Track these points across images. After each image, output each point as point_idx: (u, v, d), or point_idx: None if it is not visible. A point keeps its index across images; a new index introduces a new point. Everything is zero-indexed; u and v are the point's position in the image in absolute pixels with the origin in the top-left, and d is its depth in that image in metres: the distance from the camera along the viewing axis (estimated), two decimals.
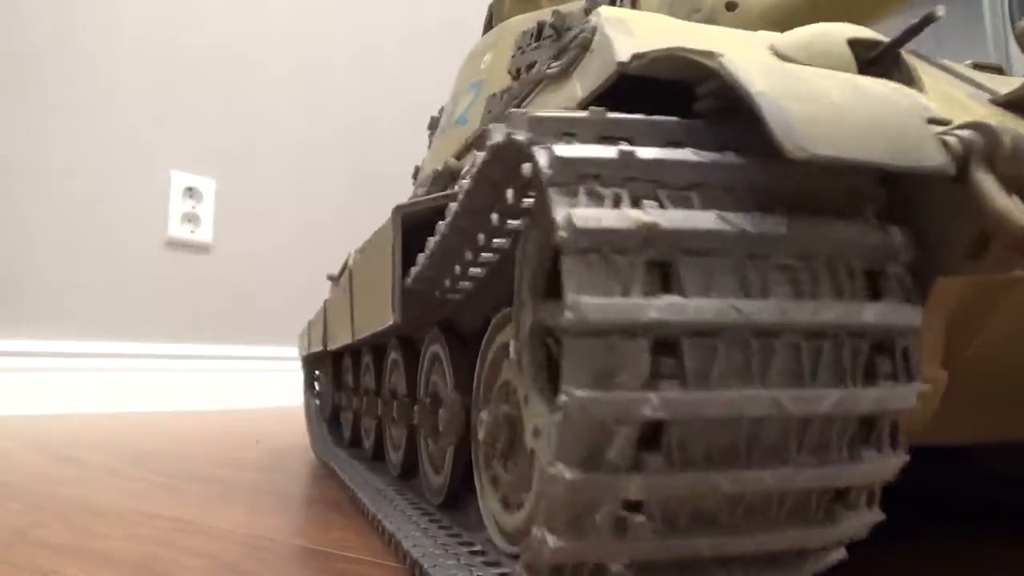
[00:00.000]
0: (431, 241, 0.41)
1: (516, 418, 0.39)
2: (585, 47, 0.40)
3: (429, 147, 0.85)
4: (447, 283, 0.44)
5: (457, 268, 0.42)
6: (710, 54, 0.28)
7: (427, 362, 0.58)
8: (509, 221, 0.34)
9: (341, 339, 0.69)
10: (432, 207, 0.44)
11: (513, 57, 0.59)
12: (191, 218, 1.96)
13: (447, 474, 0.52)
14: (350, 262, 0.89)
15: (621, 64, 0.35)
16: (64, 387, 1.67)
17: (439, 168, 0.59)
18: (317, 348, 0.89)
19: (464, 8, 1.73)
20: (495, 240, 0.37)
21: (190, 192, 1.97)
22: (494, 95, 0.59)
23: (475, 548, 0.42)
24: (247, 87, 2.13)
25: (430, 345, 0.56)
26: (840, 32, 0.37)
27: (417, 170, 0.88)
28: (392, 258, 0.45)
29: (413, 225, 0.45)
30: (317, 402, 1.15)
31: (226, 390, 1.91)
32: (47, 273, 1.72)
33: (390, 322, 0.47)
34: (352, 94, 2.35)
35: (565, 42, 0.43)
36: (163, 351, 1.86)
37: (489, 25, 0.74)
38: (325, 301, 0.86)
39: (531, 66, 0.55)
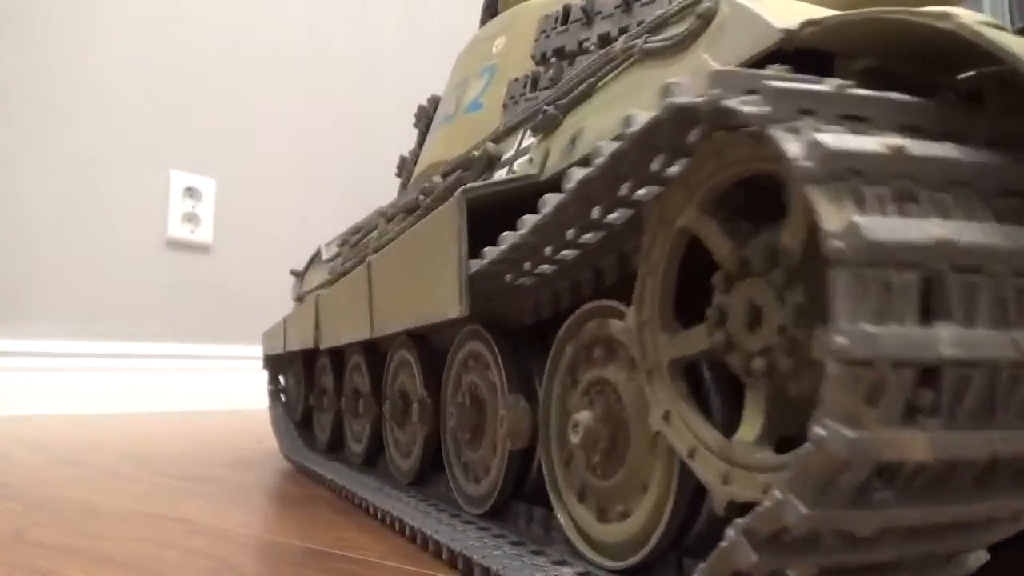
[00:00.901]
0: (527, 220, 0.38)
1: (620, 420, 0.37)
2: (708, 19, 0.36)
3: (419, 139, 0.83)
4: (526, 267, 0.41)
5: (548, 250, 0.39)
6: (944, 15, 0.23)
7: (461, 362, 0.55)
8: (637, 193, 0.32)
9: (348, 335, 0.64)
10: (497, 191, 0.42)
11: (537, 41, 0.57)
12: (191, 218, 1.96)
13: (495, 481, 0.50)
14: (325, 255, 0.88)
15: (788, 32, 0.30)
16: (64, 387, 1.67)
17: (458, 156, 0.59)
18: (299, 346, 0.84)
19: (464, 13, 1.73)
20: (609, 216, 0.35)
21: (190, 192, 1.97)
22: (516, 79, 0.58)
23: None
24: (247, 87, 2.13)
25: (463, 345, 0.54)
26: None
27: (403, 162, 0.85)
28: (457, 244, 0.42)
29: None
30: (283, 404, 1.13)
31: (227, 390, 1.90)
32: (47, 273, 1.72)
33: (453, 314, 0.43)
34: (352, 94, 2.35)
35: (665, 16, 0.39)
36: (163, 351, 1.86)
37: (492, 10, 0.72)
38: (315, 297, 0.78)
39: (559, 50, 0.54)
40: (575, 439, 0.38)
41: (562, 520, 0.41)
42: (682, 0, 0.38)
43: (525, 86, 0.57)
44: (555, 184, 0.38)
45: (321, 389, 0.89)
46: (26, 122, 1.72)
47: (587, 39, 0.52)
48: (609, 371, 0.38)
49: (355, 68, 2.38)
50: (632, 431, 0.36)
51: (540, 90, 0.55)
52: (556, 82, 0.54)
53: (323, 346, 0.74)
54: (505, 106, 0.58)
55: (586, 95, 0.44)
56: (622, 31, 0.49)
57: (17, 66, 1.71)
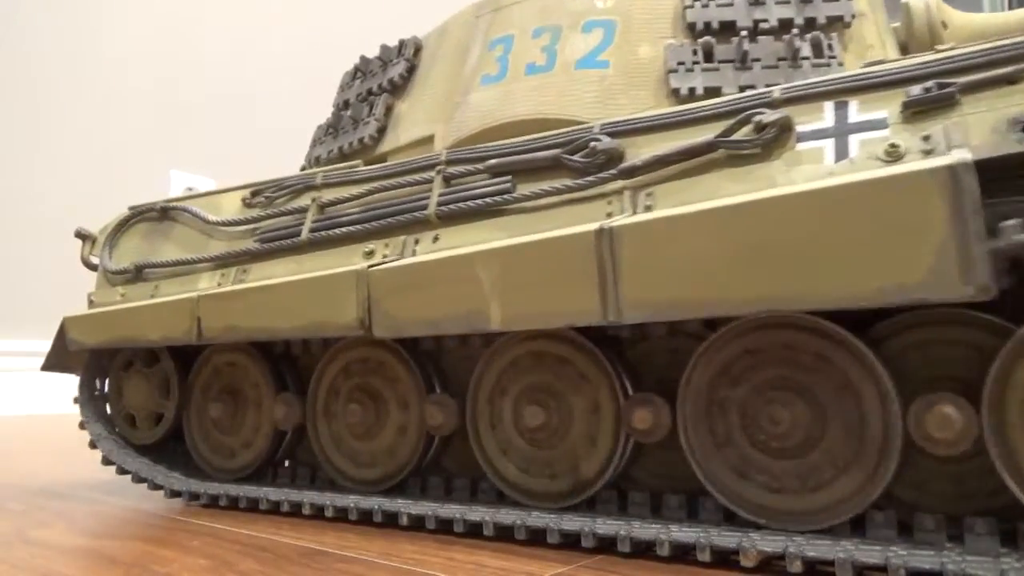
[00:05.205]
0: None
1: None
2: None
3: (365, 91, 0.74)
4: None
5: None
6: None
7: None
8: None
9: (486, 321, 0.47)
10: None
11: (690, 8, 0.58)
12: None
13: None
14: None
15: None
16: (65, 387, 1.65)
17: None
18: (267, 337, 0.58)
19: None
20: None
21: (190, 192, 1.93)
22: (682, 45, 0.57)
23: None
24: (247, 88, 2.12)
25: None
26: None
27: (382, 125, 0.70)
28: (964, 216, 0.34)
29: None
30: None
31: None
32: (47, 273, 1.70)
33: (963, 294, 0.34)
34: None
35: None
36: None
37: None
38: (362, 274, 0.53)
39: (728, 25, 0.55)
40: None
41: None
42: None
43: (695, 53, 0.56)
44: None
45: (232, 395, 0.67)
46: (26, 123, 1.71)
47: (764, 20, 0.54)
48: None
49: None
50: None
51: (719, 62, 0.55)
52: (741, 58, 0.54)
53: (408, 334, 0.52)
54: (675, 71, 0.56)
55: (1010, 80, 0.39)
56: (808, 21, 0.51)
57: (17, 67, 1.71)
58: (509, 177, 0.54)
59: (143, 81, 1.91)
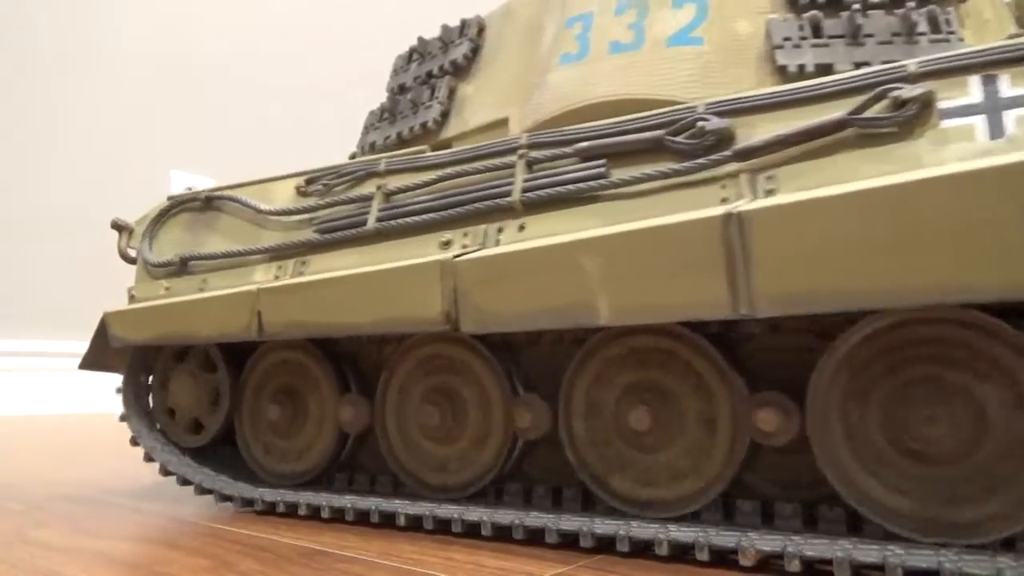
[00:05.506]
0: None
1: None
2: None
3: (425, 74, 0.70)
4: None
5: None
6: None
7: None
8: None
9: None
10: None
11: None
12: None
13: None
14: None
15: None
16: (65, 387, 1.65)
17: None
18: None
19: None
20: None
21: (189, 192, 1.93)
22: (784, 20, 0.54)
23: None
24: (247, 87, 2.11)
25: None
26: None
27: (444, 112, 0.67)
28: None
29: None
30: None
31: None
32: (47, 273, 1.70)
33: None
34: (353, 94, 2.31)
35: None
36: None
37: None
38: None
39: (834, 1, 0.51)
40: None
41: None
42: None
43: (802, 29, 0.52)
44: None
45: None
46: (26, 123, 1.71)
47: None
48: None
49: (356, 70, 2.33)
50: None
51: (828, 37, 0.52)
52: (853, 33, 0.51)
53: (494, 329, 0.47)
54: (781, 47, 0.53)
55: None
56: None
57: (18, 68, 1.71)
58: (603, 161, 0.50)
59: (143, 81, 1.91)
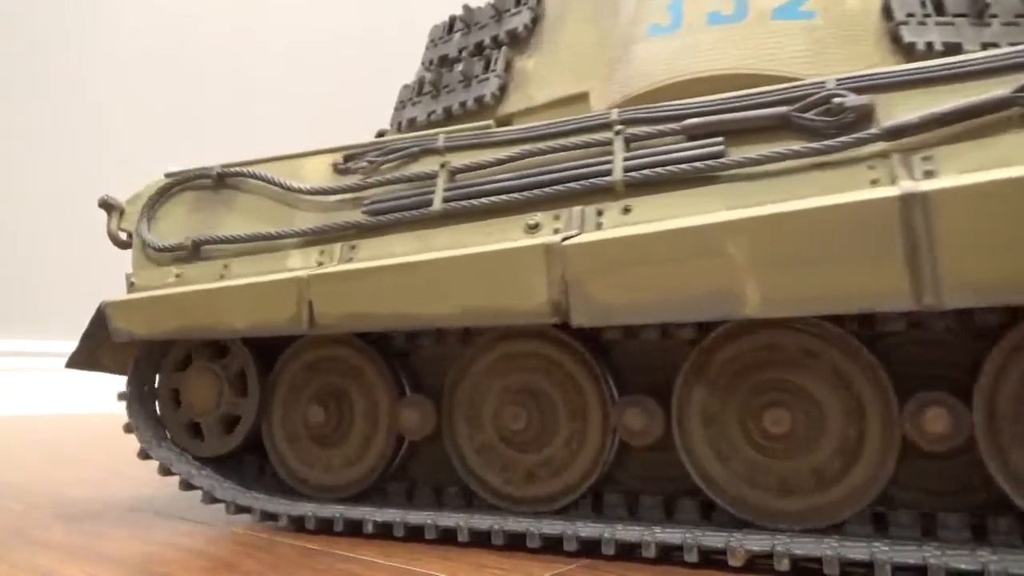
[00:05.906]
0: None
1: None
2: None
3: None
4: None
5: None
6: None
7: None
8: None
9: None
10: None
11: None
12: None
13: None
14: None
15: None
16: (65, 387, 1.67)
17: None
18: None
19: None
20: None
21: None
22: None
23: None
24: (247, 87, 2.12)
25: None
26: None
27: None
28: None
29: None
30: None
31: None
32: (46, 273, 1.73)
33: None
34: (353, 94, 2.25)
35: None
36: None
37: None
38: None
39: None
40: None
41: None
42: None
43: (924, 5, 0.51)
44: None
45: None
46: (25, 123, 1.72)
47: None
48: None
49: (355, 69, 2.33)
50: None
51: (953, 15, 0.49)
52: (978, 12, 0.48)
53: (611, 321, 0.42)
54: (905, 23, 0.50)
55: None
56: None
57: (17, 68, 1.72)
58: (721, 139, 0.46)
59: (142, 80, 1.91)
